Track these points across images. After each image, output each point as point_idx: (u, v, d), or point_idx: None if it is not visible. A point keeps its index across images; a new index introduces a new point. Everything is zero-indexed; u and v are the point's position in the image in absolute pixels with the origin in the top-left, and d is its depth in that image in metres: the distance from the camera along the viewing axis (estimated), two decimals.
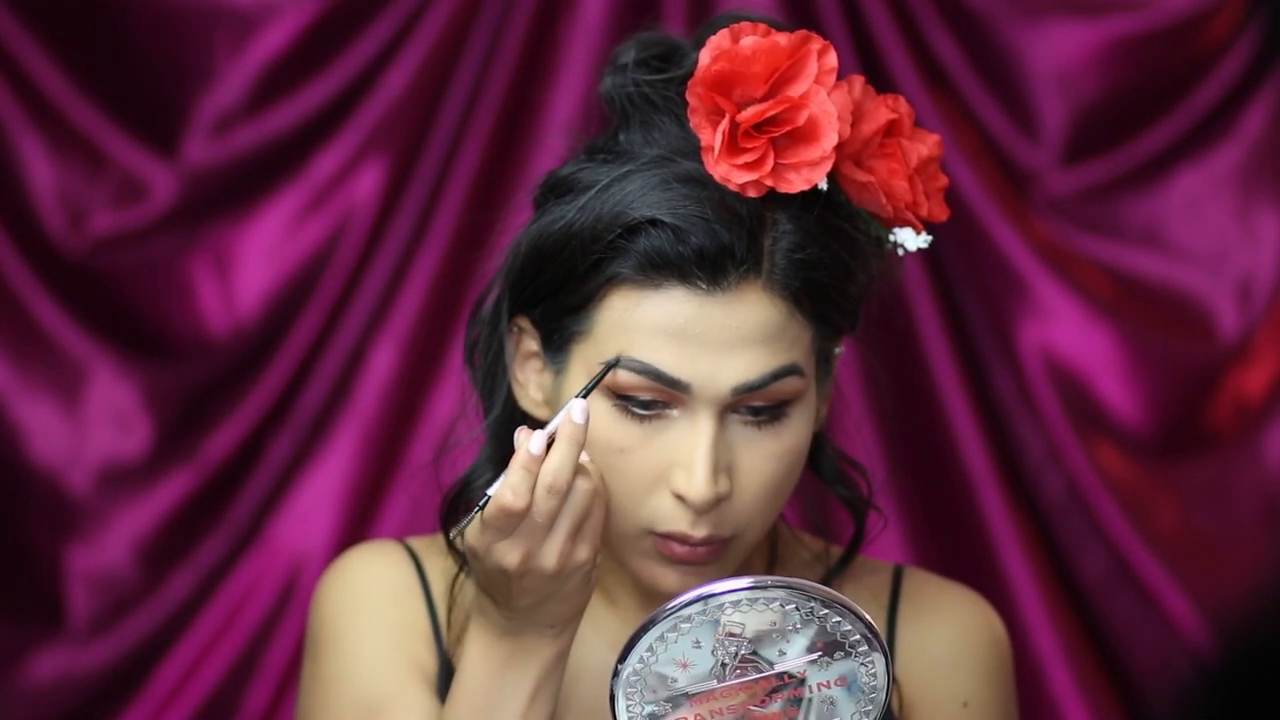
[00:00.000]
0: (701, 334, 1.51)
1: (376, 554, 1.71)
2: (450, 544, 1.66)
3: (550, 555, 1.47)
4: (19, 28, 2.25)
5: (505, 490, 1.46)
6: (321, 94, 2.29)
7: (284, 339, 2.29)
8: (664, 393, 1.52)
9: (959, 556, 2.27)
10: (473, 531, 1.49)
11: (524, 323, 1.61)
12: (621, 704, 1.41)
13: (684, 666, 1.40)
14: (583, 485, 1.47)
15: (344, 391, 2.30)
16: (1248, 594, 2.27)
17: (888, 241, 1.58)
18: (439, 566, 1.69)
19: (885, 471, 2.16)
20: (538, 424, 1.57)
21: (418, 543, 1.72)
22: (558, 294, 1.56)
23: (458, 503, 1.67)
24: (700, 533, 1.54)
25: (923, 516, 2.29)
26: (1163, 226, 2.32)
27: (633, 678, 1.41)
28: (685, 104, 1.55)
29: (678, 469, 1.53)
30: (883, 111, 1.55)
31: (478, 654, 1.53)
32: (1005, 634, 1.73)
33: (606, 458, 1.54)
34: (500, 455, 1.64)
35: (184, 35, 2.27)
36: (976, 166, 2.29)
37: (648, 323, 1.52)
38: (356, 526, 2.30)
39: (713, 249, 1.51)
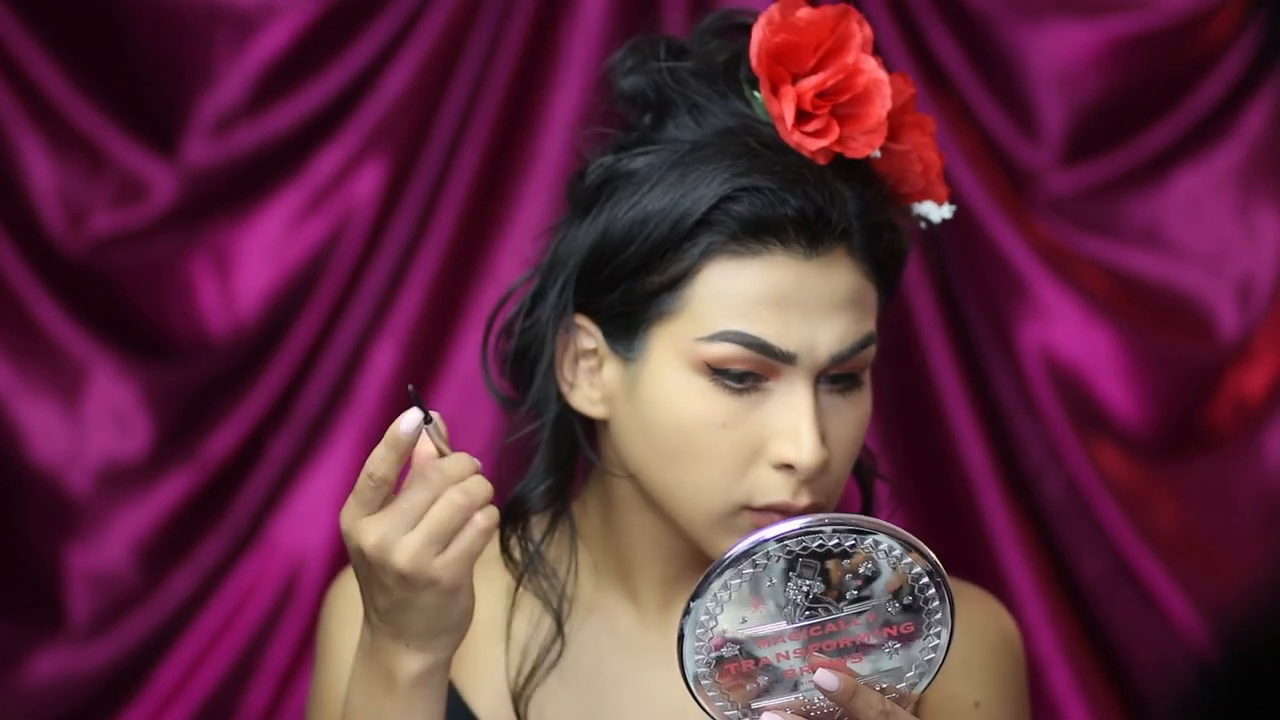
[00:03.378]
0: (801, 301, 1.53)
1: None
2: (505, 551, 1.67)
3: (404, 551, 1.42)
4: (19, 28, 2.25)
5: (373, 456, 1.43)
6: (321, 94, 2.29)
7: (284, 339, 2.29)
8: (763, 365, 1.53)
9: (959, 556, 2.26)
10: (346, 507, 1.45)
11: (580, 320, 1.61)
12: (690, 644, 1.41)
13: (755, 606, 1.40)
14: (455, 498, 1.43)
15: (344, 391, 2.30)
16: (1248, 594, 2.27)
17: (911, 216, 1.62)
18: None
19: (885, 471, 2.16)
20: (589, 425, 1.61)
21: None
22: (639, 277, 1.56)
23: (515, 514, 1.68)
24: (803, 501, 1.54)
25: (923, 516, 2.29)
26: (1163, 226, 2.32)
27: (704, 617, 1.40)
28: (726, 85, 1.57)
29: (780, 439, 1.53)
30: (902, 86, 1.60)
31: (354, 667, 1.52)
32: (1018, 635, 1.74)
33: (705, 434, 1.54)
34: (555, 460, 1.66)
35: (184, 35, 2.27)
36: (976, 166, 2.29)
37: (751, 292, 1.53)
38: None
39: (811, 211, 1.52)
